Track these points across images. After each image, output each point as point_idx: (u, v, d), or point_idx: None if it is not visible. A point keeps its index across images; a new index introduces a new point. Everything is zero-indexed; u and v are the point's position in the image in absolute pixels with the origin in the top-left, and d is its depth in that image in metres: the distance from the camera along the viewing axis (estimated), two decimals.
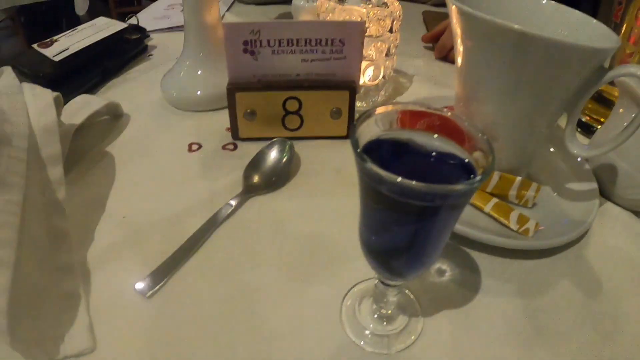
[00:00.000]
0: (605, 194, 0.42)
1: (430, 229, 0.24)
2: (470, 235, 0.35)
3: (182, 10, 0.86)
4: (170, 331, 0.30)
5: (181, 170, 0.44)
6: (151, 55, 0.67)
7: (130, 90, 0.58)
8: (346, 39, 0.43)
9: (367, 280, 0.33)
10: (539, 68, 0.33)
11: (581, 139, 0.38)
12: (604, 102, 0.50)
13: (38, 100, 0.40)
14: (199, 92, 0.52)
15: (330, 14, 0.49)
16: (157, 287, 0.32)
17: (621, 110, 0.41)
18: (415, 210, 0.22)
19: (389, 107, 0.25)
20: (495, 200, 0.39)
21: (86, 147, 0.46)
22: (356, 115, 0.47)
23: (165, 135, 0.49)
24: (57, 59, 0.58)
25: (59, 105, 0.42)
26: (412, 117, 0.25)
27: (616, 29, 0.47)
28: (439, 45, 0.66)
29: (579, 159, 0.44)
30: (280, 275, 0.34)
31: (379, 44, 0.49)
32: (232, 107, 0.44)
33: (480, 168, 0.23)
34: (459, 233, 0.35)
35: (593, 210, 0.38)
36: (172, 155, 0.46)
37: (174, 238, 0.36)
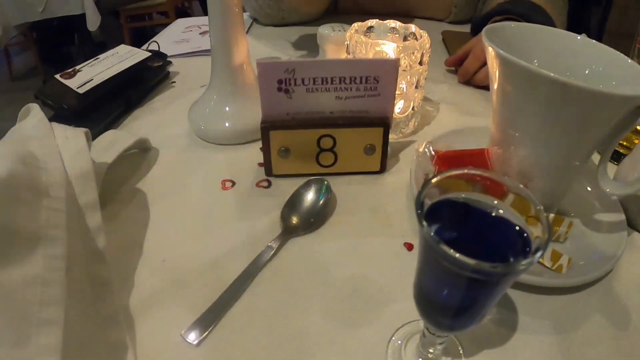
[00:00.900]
0: (632, 223, 0.42)
1: (488, 294, 0.24)
2: None
3: (200, 33, 0.87)
4: None
5: (216, 209, 0.43)
6: (174, 82, 0.67)
7: (156, 121, 0.57)
8: (380, 76, 0.43)
9: (412, 323, 0.33)
10: (578, 113, 0.33)
11: (609, 166, 0.39)
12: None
13: (71, 143, 0.39)
14: (227, 125, 0.51)
15: (359, 47, 0.48)
16: (205, 334, 0.32)
17: None
18: (473, 280, 0.22)
19: (447, 175, 0.25)
20: None
21: (116, 184, 0.46)
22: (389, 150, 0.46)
23: (196, 170, 0.49)
24: (81, 90, 0.57)
25: (88, 140, 0.41)
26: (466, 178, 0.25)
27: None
28: (462, 71, 0.66)
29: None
30: (325, 318, 0.33)
31: (408, 77, 0.49)
32: (266, 145, 0.44)
33: (534, 235, 0.23)
34: None
35: (622, 243, 0.38)
36: (206, 193, 0.45)
37: (216, 282, 0.35)
